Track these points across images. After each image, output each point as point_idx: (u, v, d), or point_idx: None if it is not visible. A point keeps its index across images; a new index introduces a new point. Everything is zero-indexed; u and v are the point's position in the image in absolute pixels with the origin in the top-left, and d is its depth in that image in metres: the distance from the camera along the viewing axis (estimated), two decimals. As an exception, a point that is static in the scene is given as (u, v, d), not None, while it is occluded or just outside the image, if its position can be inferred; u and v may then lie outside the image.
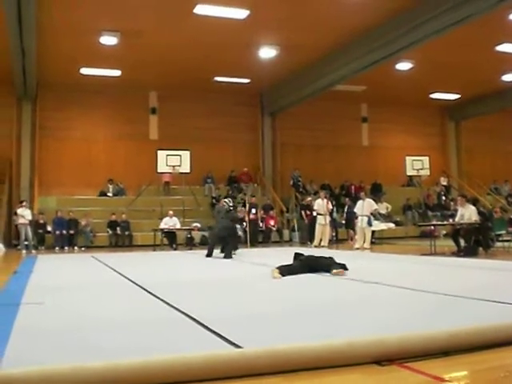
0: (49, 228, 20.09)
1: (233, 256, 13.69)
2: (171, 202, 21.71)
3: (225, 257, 13.52)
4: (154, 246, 18.41)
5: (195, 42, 18.33)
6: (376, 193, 24.61)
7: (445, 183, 27.43)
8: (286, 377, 3.20)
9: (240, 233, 20.62)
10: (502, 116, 27.77)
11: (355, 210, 17.93)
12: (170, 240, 19.14)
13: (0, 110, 22.03)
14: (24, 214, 18.19)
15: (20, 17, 13.94)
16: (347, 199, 22.47)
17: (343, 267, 8.70)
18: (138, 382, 3.04)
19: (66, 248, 19.51)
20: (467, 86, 24.39)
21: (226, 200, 15.19)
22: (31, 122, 22.33)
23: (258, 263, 11.57)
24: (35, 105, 22.43)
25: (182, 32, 17.46)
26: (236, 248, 14.99)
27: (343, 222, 22.00)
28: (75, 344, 4.00)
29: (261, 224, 21.58)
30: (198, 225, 20.04)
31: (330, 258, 9.18)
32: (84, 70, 21.05)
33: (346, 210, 21.35)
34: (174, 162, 20.13)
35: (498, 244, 14.63)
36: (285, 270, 8.38)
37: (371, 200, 18.06)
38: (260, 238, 21.38)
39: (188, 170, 20.39)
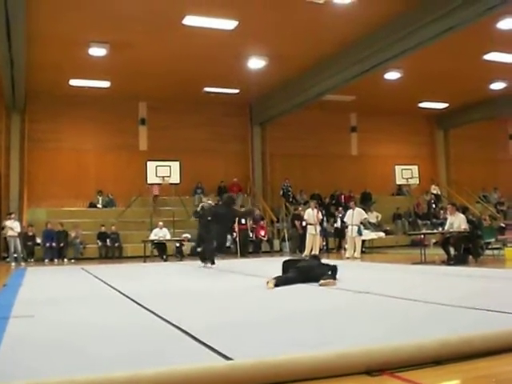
0: (38, 240, 19.98)
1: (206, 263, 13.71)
2: (161, 212, 21.66)
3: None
4: (144, 258, 18.35)
5: (184, 53, 18.36)
6: (366, 202, 24.69)
7: (435, 192, 27.50)
8: (277, 388, 3.19)
9: (228, 243, 20.65)
10: (490, 124, 27.97)
11: (345, 219, 17.98)
12: (160, 251, 19.09)
13: (-12, 122, 22.01)
14: (13, 226, 18.08)
15: (9, 27, 13.90)
16: (340, 209, 22.52)
17: (333, 276, 8.69)
18: (127, 395, 3.03)
19: (56, 260, 19.37)
20: (455, 95, 24.53)
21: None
22: (20, 133, 22.25)
23: (249, 274, 11.54)
24: (24, 116, 22.37)
25: (170, 43, 17.48)
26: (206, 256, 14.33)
27: (332, 231, 22.08)
28: (65, 356, 3.98)
29: (251, 234, 21.58)
30: (188, 236, 20.00)
31: (325, 266, 9.17)
32: (73, 81, 21.03)
33: (339, 219, 21.37)
34: (163, 172, 20.16)
35: (488, 252, 14.70)
36: (280, 281, 8.37)
37: (361, 209, 18.12)
38: (250, 248, 21.37)
39: (178, 181, 20.43)
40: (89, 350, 4.20)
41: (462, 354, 3.65)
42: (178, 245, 19.77)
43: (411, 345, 3.66)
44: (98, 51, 17.71)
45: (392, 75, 20.98)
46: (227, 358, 3.69)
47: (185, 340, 4.48)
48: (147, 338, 4.68)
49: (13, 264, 17.53)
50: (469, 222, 13.88)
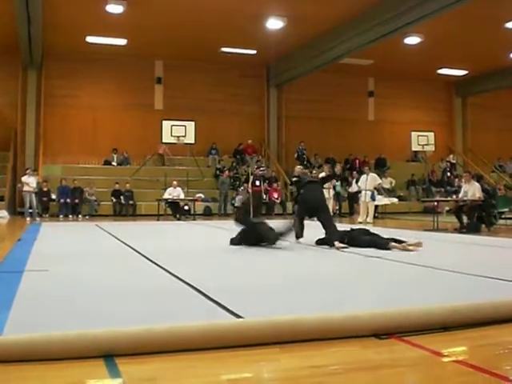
0: (53, 196, 20.12)
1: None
2: (175, 172, 21.72)
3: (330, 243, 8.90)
4: (158, 216, 18.49)
5: (202, 12, 18.15)
6: (380, 167, 24.61)
7: (454, 161, 27.30)
8: (284, 347, 3.24)
9: (238, 204, 20.47)
10: (509, 93, 27.54)
11: (359, 183, 17.93)
12: (174, 210, 19.20)
13: (5, 78, 21.98)
14: (28, 182, 18.21)
15: (26, -17, 13.85)
16: (354, 173, 22.36)
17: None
18: (138, 350, 3.08)
19: (70, 216, 19.55)
20: (475, 63, 24.18)
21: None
22: (36, 90, 22.25)
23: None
24: (41, 73, 22.32)
25: (188, 1, 17.30)
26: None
27: (345, 196, 21.96)
28: (78, 311, 4.05)
29: (264, 196, 21.60)
30: (202, 195, 20.06)
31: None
32: (90, 39, 20.90)
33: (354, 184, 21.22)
34: (178, 132, 20.09)
35: (501, 221, 14.64)
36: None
37: (375, 174, 18.06)
38: (263, 210, 21.42)
39: (193, 141, 20.36)
40: (102, 306, 4.26)
41: (471, 321, 3.68)
42: (186, 208, 19.81)
43: (420, 310, 3.70)
44: (115, 8, 17.54)
45: (412, 40, 20.66)
46: (238, 317, 3.75)
47: (198, 298, 4.54)
48: (160, 295, 4.74)
49: (28, 219, 17.71)
50: (483, 190, 13.81)
